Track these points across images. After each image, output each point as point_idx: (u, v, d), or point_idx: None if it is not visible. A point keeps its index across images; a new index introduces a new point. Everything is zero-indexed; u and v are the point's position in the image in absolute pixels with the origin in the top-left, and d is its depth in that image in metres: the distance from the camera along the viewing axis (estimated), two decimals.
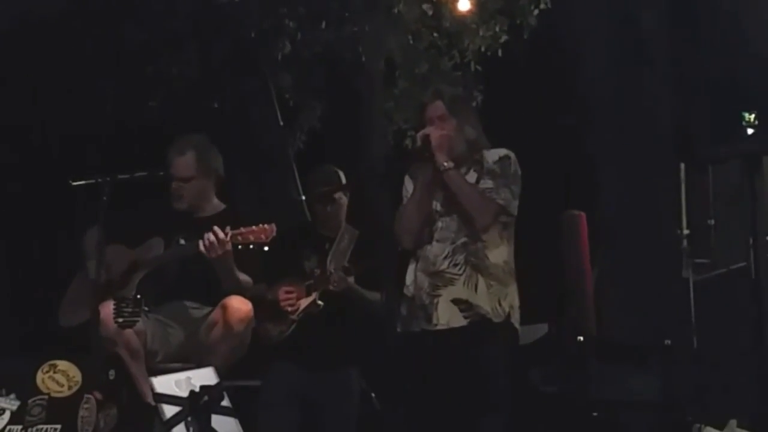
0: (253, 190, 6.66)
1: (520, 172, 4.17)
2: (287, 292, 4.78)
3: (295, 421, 4.82)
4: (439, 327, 4.03)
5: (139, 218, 4.41)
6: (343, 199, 4.98)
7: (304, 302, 4.77)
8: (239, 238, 4.26)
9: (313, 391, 4.80)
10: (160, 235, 4.49)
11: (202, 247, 4.26)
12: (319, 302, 4.74)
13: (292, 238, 4.87)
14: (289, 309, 4.76)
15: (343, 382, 4.88)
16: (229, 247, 4.26)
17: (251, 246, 4.24)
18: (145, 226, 4.48)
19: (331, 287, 4.72)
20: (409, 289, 4.17)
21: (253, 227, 4.26)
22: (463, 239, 4.08)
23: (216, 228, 4.27)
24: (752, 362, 4.77)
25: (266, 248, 4.25)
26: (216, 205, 4.70)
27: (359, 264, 4.76)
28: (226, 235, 4.27)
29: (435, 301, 4.06)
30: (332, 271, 4.75)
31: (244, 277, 4.47)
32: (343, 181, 4.98)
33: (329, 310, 4.75)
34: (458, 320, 4.03)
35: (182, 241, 4.47)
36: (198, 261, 4.33)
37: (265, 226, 4.25)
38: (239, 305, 4.37)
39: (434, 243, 4.12)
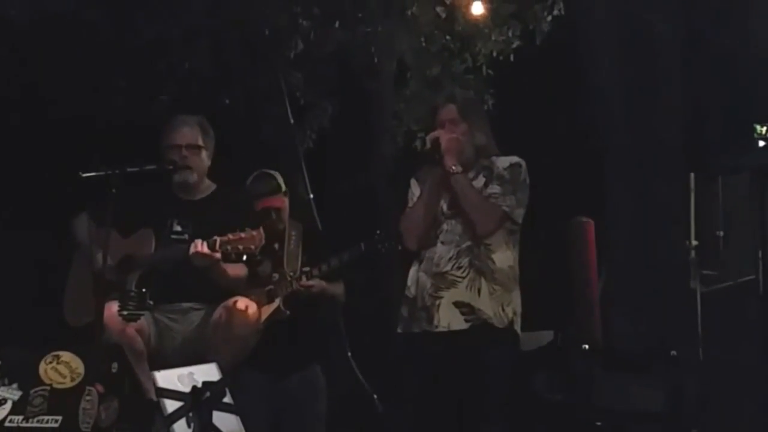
0: None
1: (529, 182, 4.15)
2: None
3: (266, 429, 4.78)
4: (439, 329, 4.02)
5: (132, 203, 4.29)
6: (285, 203, 4.92)
7: (266, 310, 4.67)
8: (228, 247, 4.19)
9: (281, 396, 4.77)
10: (154, 219, 4.41)
11: (191, 250, 4.21)
12: (285, 310, 4.66)
13: None
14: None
15: (310, 380, 4.85)
16: (217, 257, 4.21)
17: (242, 257, 4.19)
18: (138, 211, 4.39)
19: (301, 296, 4.66)
20: (410, 290, 4.15)
21: (242, 234, 4.18)
22: (468, 242, 4.07)
23: (201, 245, 4.19)
24: (758, 374, 4.76)
25: (256, 256, 4.21)
26: (208, 185, 4.59)
27: (319, 266, 4.69)
28: (214, 243, 4.19)
29: (437, 302, 4.04)
30: (291, 275, 4.69)
31: (235, 270, 4.40)
32: (283, 186, 4.91)
33: (294, 313, 4.70)
34: (459, 323, 4.01)
35: (177, 227, 4.40)
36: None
37: (253, 232, 4.18)
38: (244, 308, 4.33)
39: (439, 245, 4.10)
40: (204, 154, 4.51)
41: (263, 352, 4.57)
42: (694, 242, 5.56)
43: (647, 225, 6.66)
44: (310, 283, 4.67)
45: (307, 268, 4.70)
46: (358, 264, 4.76)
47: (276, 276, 4.74)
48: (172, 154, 4.45)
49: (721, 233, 5.49)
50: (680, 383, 4.97)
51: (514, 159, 4.18)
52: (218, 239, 4.20)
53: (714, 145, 6.37)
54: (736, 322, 5.24)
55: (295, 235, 4.86)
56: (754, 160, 4.97)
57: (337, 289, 4.86)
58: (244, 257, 4.22)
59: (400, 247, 4.30)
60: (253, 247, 4.18)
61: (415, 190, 4.25)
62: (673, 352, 5.06)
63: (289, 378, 4.78)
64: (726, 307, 5.36)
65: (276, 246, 4.78)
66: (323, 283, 4.74)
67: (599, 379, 5.02)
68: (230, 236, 4.20)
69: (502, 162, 4.17)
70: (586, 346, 5.12)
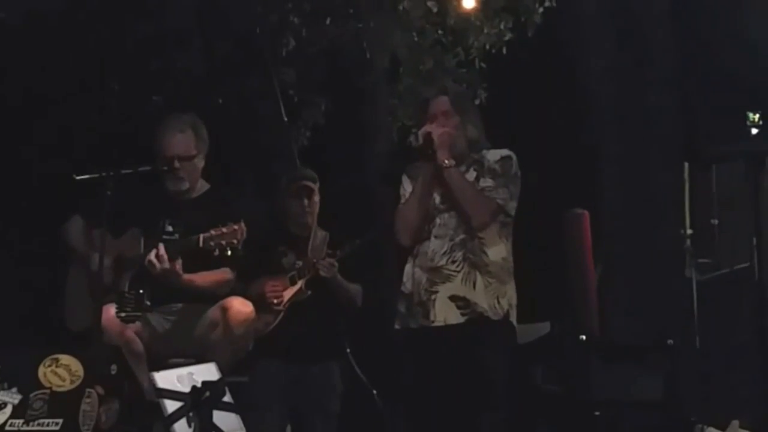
0: (257, 186, 6.66)
1: (520, 174, 4.16)
2: (272, 286, 4.80)
3: (283, 422, 4.83)
4: (436, 323, 4.02)
5: (125, 203, 4.26)
6: (318, 196, 5.00)
7: (289, 292, 4.80)
8: (211, 243, 4.17)
9: (297, 387, 4.80)
10: (147, 219, 4.39)
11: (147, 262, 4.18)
12: (306, 290, 4.78)
13: (266, 237, 4.87)
14: (275, 301, 4.76)
15: (326, 376, 4.89)
16: (174, 269, 4.18)
17: (226, 251, 4.17)
18: (131, 211, 4.38)
19: (321, 273, 4.75)
20: (406, 285, 4.15)
21: (223, 229, 4.16)
22: (462, 236, 4.07)
23: (156, 252, 4.19)
24: (755, 362, 4.78)
25: (240, 250, 4.20)
26: (201, 185, 4.58)
27: (343, 246, 4.81)
28: (198, 240, 4.18)
29: (432, 297, 4.04)
30: (314, 261, 4.79)
31: (216, 276, 4.39)
32: (317, 181, 5.02)
33: (315, 299, 4.79)
34: (456, 317, 4.01)
35: (169, 227, 4.39)
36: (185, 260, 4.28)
37: (235, 226, 4.16)
38: (240, 307, 4.32)
39: (432, 239, 4.10)
40: (197, 160, 4.50)
41: (283, 337, 4.66)
42: (689, 231, 5.57)
43: (642, 215, 6.66)
44: (332, 260, 4.75)
45: (330, 251, 4.82)
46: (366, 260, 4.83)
47: (300, 263, 4.85)
48: (164, 164, 4.43)
49: (716, 221, 5.51)
50: (677, 372, 4.99)
51: (505, 152, 4.17)
52: (201, 236, 4.19)
53: (707, 133, 6.38)
54: (731, 310, 5.26)
55: (322, 235, 4.97)
56: (747, 148, 4.99)
57: (355, 288, 4.93)
58: (229, 251, 4.20)
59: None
60: (235, 240, 4.16)
61: (406, 186, 4.24)
62: (670, 341, 5.07)
63: (308, 368, 4.82)
64: (722, 294, 5.38)
65: (301, 244, 4.90)
66: (337, 272, 4.80)
67: (597, 369, 5.03)
68: (212, 232, 4.18)
69: (493, 155, 4.16)
70: (583, 337, 5.13)
